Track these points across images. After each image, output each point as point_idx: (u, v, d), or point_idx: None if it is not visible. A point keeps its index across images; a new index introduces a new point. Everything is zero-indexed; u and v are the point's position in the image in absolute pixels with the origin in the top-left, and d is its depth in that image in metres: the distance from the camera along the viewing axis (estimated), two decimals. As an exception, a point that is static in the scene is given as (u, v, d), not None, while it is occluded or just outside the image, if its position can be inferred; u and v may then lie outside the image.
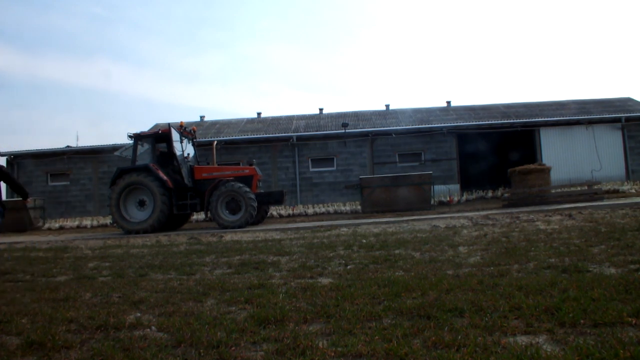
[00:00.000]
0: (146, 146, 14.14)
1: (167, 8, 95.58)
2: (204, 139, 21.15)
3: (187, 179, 13.72)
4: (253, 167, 14.43)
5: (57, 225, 19.47)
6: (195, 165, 14.40)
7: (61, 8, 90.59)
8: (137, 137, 14.04)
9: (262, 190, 14.96)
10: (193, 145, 15.17)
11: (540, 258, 5.02)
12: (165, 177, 13.35)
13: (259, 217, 14.66)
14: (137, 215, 13.63)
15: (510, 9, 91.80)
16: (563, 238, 6.53)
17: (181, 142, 14.04)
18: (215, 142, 16.51)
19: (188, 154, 14.29)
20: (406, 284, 3.98)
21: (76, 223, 19.58)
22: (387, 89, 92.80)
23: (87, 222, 19.69)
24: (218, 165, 15.63)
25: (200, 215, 17.81)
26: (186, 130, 14.47)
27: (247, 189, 13.36)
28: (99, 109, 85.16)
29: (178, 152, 13.78)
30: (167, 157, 14.19)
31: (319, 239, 8.45)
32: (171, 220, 14.12)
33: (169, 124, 13.88)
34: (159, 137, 13.93)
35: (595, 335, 2.55)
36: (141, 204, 13.67)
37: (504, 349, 2.40)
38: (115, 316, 3.49)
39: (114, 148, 23.15)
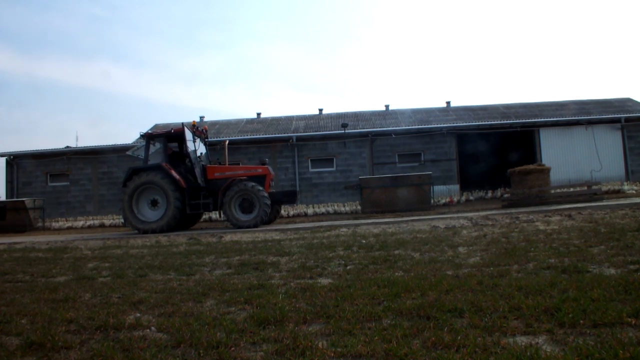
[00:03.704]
0: (157, 146, 14.09)
1: (166, 9, 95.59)
2: (212, 139, 21.13)
3: (200, 179, 13.68)
4: (266, 166, 14.37)
5: (56, 225, 19.47)
6: (208, 165, 14.35)
7: (61, 8, 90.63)
8: (149, 137, 14.01)
9: (273, 190, 14.94)
10: (205, 144, 15.12)
11: (540, 258, 5.02)
12: (178, 177, 13.31)
13: (272, 217, 14.61)
14: (149, 215, 13.58)
15: (510, 9, 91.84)
16: (563, 238, 6.53)
17: (194, 141, 14.00)
18: (227, 142, 16.45)
19: (201, 154, 14.26)
20: (406, 285, 3.98)
21: (76, 223, 19.58)
22: (386, 89, 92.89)
23: (86, 222, 19.69)
24: (229, 164, 15.59)
25: (206, 215, 17.78)
26: (198, 130, 14.44)
27: (261, 189, 13.30)
28: (99, 109, 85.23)
29: (192, 152, 13.74)
30: (178, 157, 14.15)
31: (319, 240, 8.45)
32: (183, 219, 14.08)
33: (182, 123, 13.85)
34: (171, 136, 13.88)
35: (595, 335, 2.55)
36: (154, 203, 13.63)
37: (503, 350, 2.40)
38: (115, 317, 3.49)
39: (114, 149, 23.18)
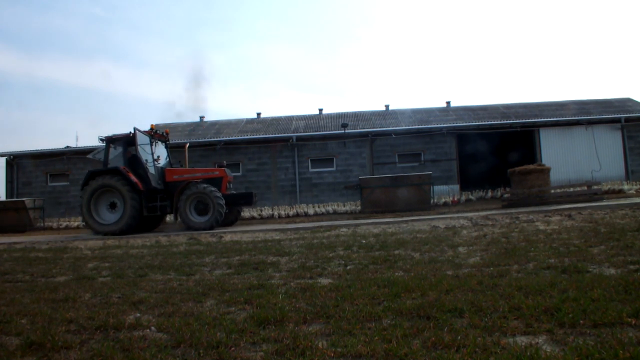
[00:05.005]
0: (119, 149, 14.27)
1: (166, 9, 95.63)
2: (177, 141, 21.21)
3: (155, 181, 13.82)
4: (223, 168, 14.55)
5: (56, 225, 19.46)
6: (167, 168, 14.51)
7: (61, 8, 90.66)
8: (109, 140, 14.20)
9: (234, 192, 15.04)
10: (166, 147, 15.33)
11: (540, 258, 5.02)
12: (135, 180, 13.43)
13: (232, 218, 14.83)
14: (108, 217, 13.75)
15: (510, 9, 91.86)
16: (563, 238, 6.53)
17: (151, 144, 14.14)
18: (188, 145, 16.70)
19: (158, 157, 14.37)
20: (406, 285, 3.98)
21: (76, 223, 19.56)
22: (386, 89, 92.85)
23: (86, 222, 19.65)
24: (190, 167, 15.75)
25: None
26: (157, 133, 14.60)
27: (215, 191, 13.46)
28: (99, 110, 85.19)
29: (147, 155, 13.89)
30: (139, 160, 14.32)
31: (319, 240, 8.45)
32: (144, 222, 14.19)
33: (134, 127, 14.01)
34: (130, 140, 14.03)
35: (595, 335, 2.55)
36: (112, 206, 13.81)
37: (503, 350, 2.40)
38: (115, 317, 3.49)
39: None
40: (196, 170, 14.66)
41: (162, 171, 14.22)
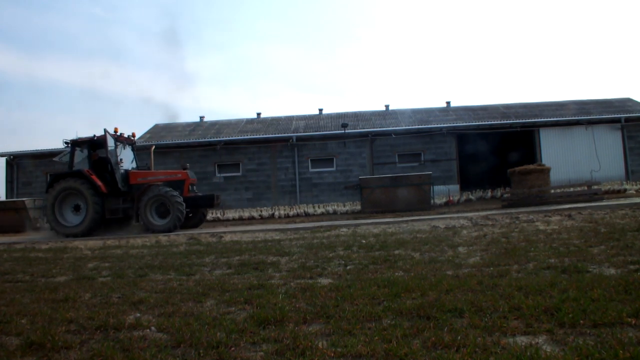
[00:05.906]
0: (85, 152, 14.34)
1: (167, 8, 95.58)
2: (144, 143, 21.29)
3: (120, 184, 13.86)
4: (186, 171, 14.63)
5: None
6: (131, 170, 14.56)
7: (61, 8, 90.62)
8: (74, 144, 14.26)
9: (199, 193, 15.11)
10: (133, 150, 15.42)
11: (540, 258, 5.02)
12: (99, 182, 13.48)
13: (196, 220, 14.94)
14: (72, 219, 13.84)
15: (509, 9, 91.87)
16: (563, 238, 6.54)
17: (116, 147, 14.16)
18: (153, 147, 16.85)
19: (121, 159, 14.41)
20: (406, 285, 3.98)
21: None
22: (386, 89, 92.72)
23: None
24: (155, 170, 15.82)
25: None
26: (122, 136, 14.66)
27: (175, 193, 13.51)
28: (99, 110, 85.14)
29: (112, 158, 13.93)
30: (105, 163, 14.31)
31: (319, 240, 8.45)
32: (111, 223, 14.21)
33: (104, 129, 14.03)
34: (95, 143, 14.07)
35: (595, 335, 2.55)
36: (77, 208, 13.90)
37: (503, 350, 2.40)
38: (115, 317, 3.49)
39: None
40: (159, 173, 14.79)
41: (126, 174, 14.28)
